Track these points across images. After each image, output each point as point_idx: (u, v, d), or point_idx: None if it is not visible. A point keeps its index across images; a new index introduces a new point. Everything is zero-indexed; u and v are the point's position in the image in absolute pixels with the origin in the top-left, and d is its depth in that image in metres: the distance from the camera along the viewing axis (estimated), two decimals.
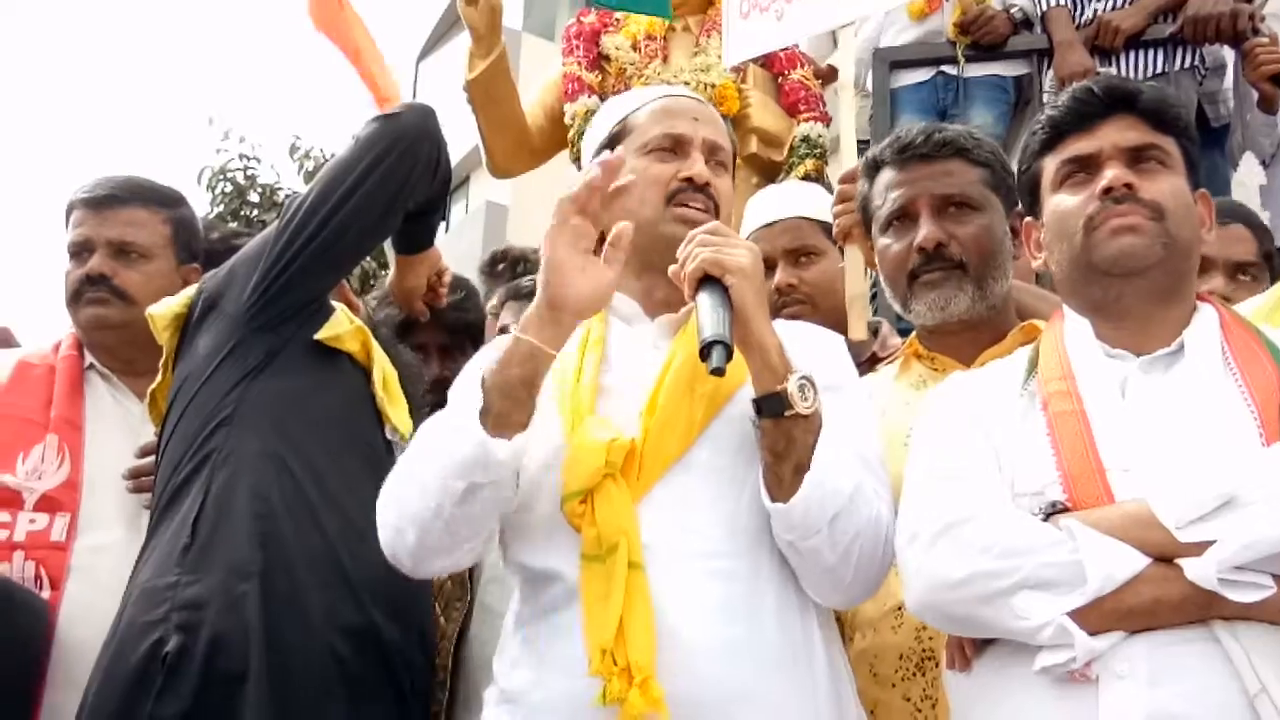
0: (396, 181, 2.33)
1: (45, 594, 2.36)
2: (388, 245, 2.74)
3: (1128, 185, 1.81)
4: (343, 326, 2.35)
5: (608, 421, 1.86)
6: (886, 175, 2.32)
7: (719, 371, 1.71)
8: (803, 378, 1.77)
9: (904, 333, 2.90)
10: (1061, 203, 1.89)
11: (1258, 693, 1.48)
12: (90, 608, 2.28)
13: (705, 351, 1.72)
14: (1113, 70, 4.10)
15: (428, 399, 3.38)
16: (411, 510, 1.82)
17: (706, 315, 1.76)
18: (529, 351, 1.79)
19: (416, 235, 2.64)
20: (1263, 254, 2.79)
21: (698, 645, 1.74)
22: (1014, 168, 2.16)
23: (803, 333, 2.06)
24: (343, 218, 2.28)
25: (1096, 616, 1.54)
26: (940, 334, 2.26)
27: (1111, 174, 1.83)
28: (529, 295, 3.06)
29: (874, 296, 3.06)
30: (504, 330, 3.13)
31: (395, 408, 2.41)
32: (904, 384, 2.29)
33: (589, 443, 1.82)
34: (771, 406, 1.77)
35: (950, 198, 2.24)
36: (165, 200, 2.82)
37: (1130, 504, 1.59)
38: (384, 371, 2.41)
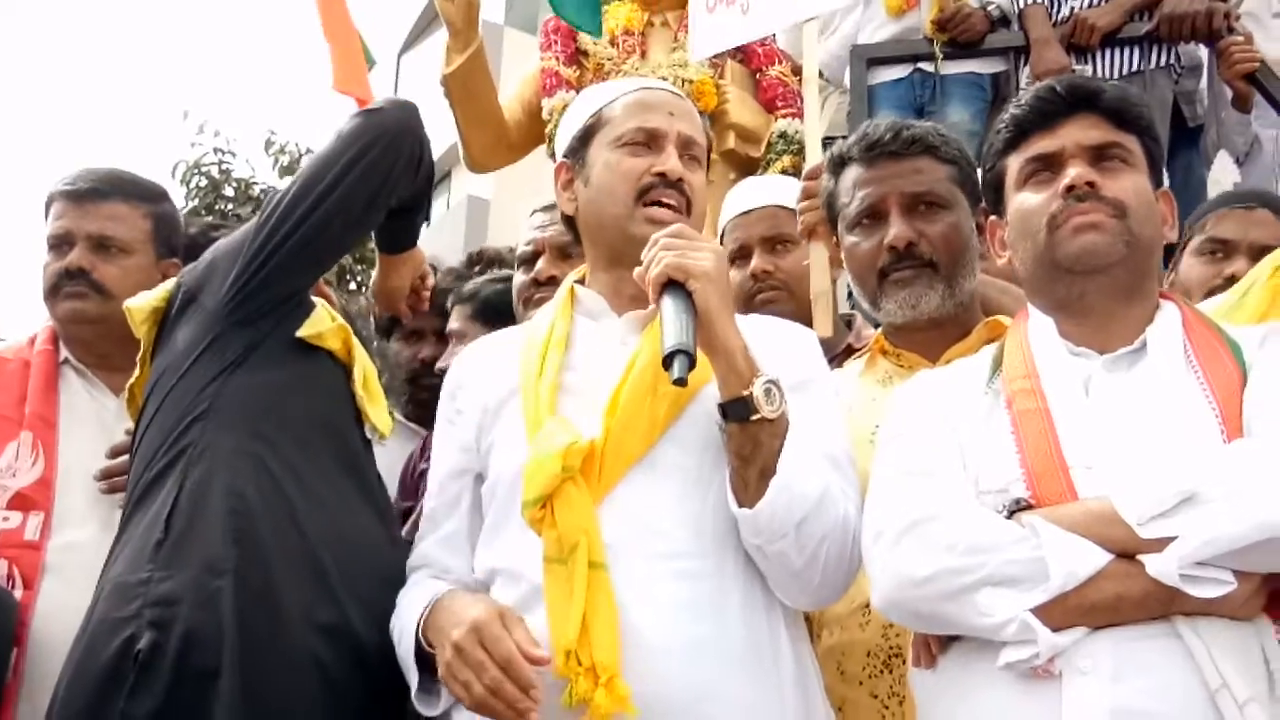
0: (379, 176, 2.31)
1: (18, 593, 2.34)
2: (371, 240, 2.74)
3: (1090, 184, 1.82)
4: (324, 324, 2.33)
5: (567, 423, 1.87)
6: (853, 172, 2.31)
7: (681, 382, 1.72)
8: (769, 381, 1.77)
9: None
10: (1025, 201, 1.89)
11: (1219, 688, 1.50)
12: (65, 607, 2.24)
13: (668, 361, 1.73)
14: (1088, 68, 4.11)
15: (407, 387, 3.41)
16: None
17: (670, 322, 1.76)
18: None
19: (400, 234, 2.63)
20: None
21: (662, 644, 1.75)
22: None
23: (773, 328, 2.07)
24: (324, 212, 2.26)
25: (1060, 612, 1.56)
26: (907, 331, 2.26)
27: (1074, 172, 1.84)
28: (470, 299, 3.13)
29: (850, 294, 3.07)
30: (457, 334, 3.17)
31: (375, 406, 2.39)
32: (870, 380, 2.29)
33: (546, 450, 1.82)
34: (737, 411, 1.78)
35: (920, 196, 2.24)
36: (147, 195, 2.81)
37: (1093, 501, 1.61)
38: (364, 369, 2.39)
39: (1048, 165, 1.89)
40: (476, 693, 1.72)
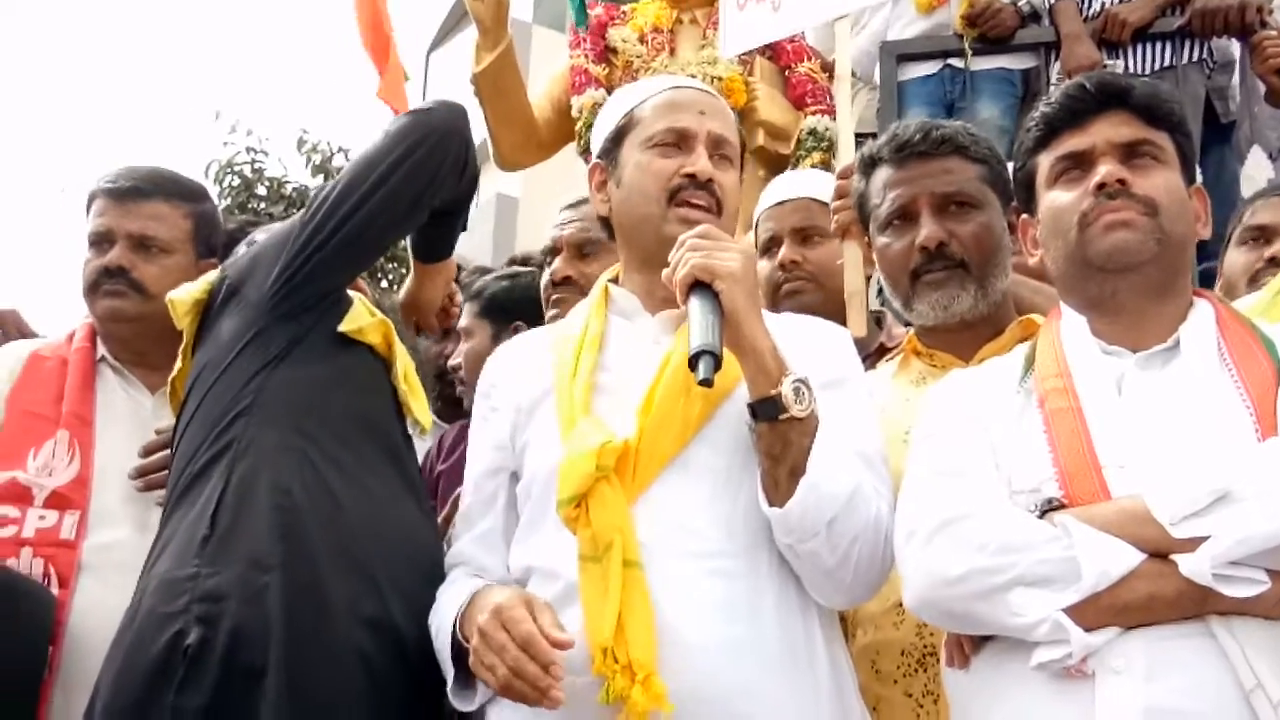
0: (426, 175, 2.32)
1: (55, 591, 2.36)
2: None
3: (1121, 181, 1.81)
4: (365, 319, 2.34)
5: (601, 422, 1.88)
6: (884, 173, 2.31)
7: (707, 383, 1.73)
8: (797, 380, 1.78)
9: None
10: (1056, 199, 1.88)
11: (1253, 688, 1.49)
12: (101, 605, 2.27)
13: (693, 362, 1.74)
14: (1120, 64, 4.09)
15: (435, 384, 3.43)
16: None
17: (696, 323, 1.77)
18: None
19: (438, 241, 2.64)
20: None
21: (698, 643, 1.75)
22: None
23: (807, 327, 2.07)
24: (370, 209, 2.28)
25: (1093, 612, 1.55)
26: (939, 331, 2.26)
27: (1105, 170, 1.83)
28: (476, 297, 3.19)
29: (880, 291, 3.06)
30: (464, 332, 3.21)
31: (416, 400, 2.41)
32: (903, 381, 2.29)
33: (580, 449, 1.84)
34: (766, 410, 1.78)
35: (950, 196, 2.23)
36: (188, 194, 2.82)
37: (1125, 500, 1.60)
38: (404, 364, 2.41)
39: (1078, 163, 1.88)
40: (501, 675, 1.73)
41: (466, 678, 1.91)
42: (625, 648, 1.71)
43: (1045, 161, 1.93)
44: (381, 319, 2.36)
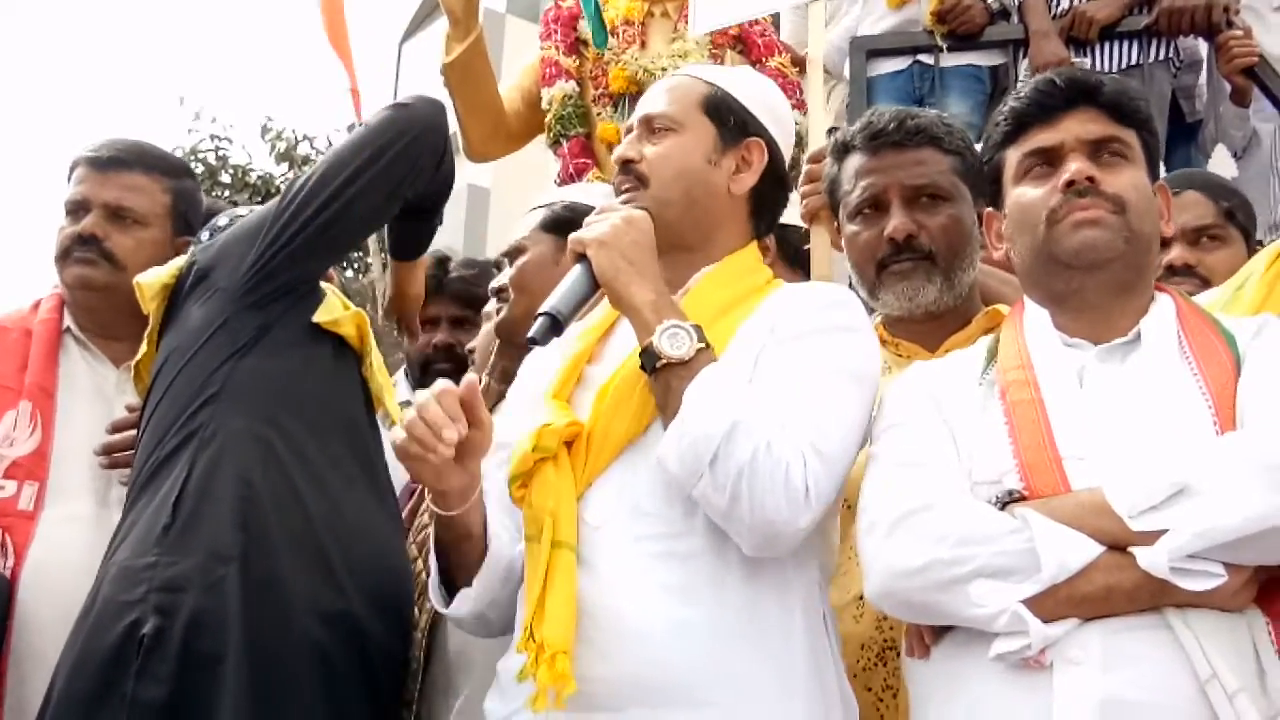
0: (403, 168, 2.33)
1: (9, 562, 2.35)
2: None
3: (1090, 179, 1.82)
4: (339, 311, 2.33)
5: (564, 408, 1.90)
6: (856, 160, 2.31)
7: (533, 341, 1.81)
8: (674, 325, 1.79)
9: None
10: (1024, 195, 1.89)
11: (1208, 679, 1.50)
12: (51, 578, 2.27)
13: (534, 321, 1.83)
14: (1087, 61, 4.11)
15: (419, 374, 3.42)
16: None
17: (557, 288, 1.87)
18: (443, 522, 1.91)
19: (413, 237, 2.63)
20: (1224, 212, 2.77)
21: (644, 626, 1.75)
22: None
23: (801, 289, 2.06)
24: (346, 199, 2.28)
25: (1051, 604, 1.57)
26: (905, 321, 2.27)
27: (1074, 167, 1.83)
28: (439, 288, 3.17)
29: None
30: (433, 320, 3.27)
31: (388, 393, 2.42)
32: None
33: (528, 429, 1.87)
34: (647, 359, 1.80)
35: (922, 188, 2.24)
36: (169, 169, 2.80)
37: (1084, 493, 1.61)
38: (376, 356, 2.41)
39: (1047, 159, 1.88)
40: (414, 452, 1.77)
41: (450, 587, 1.97)
42: (540, 627, 1.73)
43: (1013, 156, 1.93)
44: (356, 311, 2.35)
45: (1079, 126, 1.87)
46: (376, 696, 2.12)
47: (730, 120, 2.07)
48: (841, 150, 2.35)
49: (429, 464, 1.78)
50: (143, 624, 1.96)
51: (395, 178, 2.33)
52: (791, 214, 2.81)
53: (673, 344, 1.77)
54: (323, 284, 2.39)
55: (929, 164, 2.26)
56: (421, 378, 3.39)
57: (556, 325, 1.82)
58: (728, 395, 1.76)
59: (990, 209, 2.01)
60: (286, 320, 2.27)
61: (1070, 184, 1.82)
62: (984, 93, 4.40)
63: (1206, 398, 1.68)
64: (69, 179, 2.77)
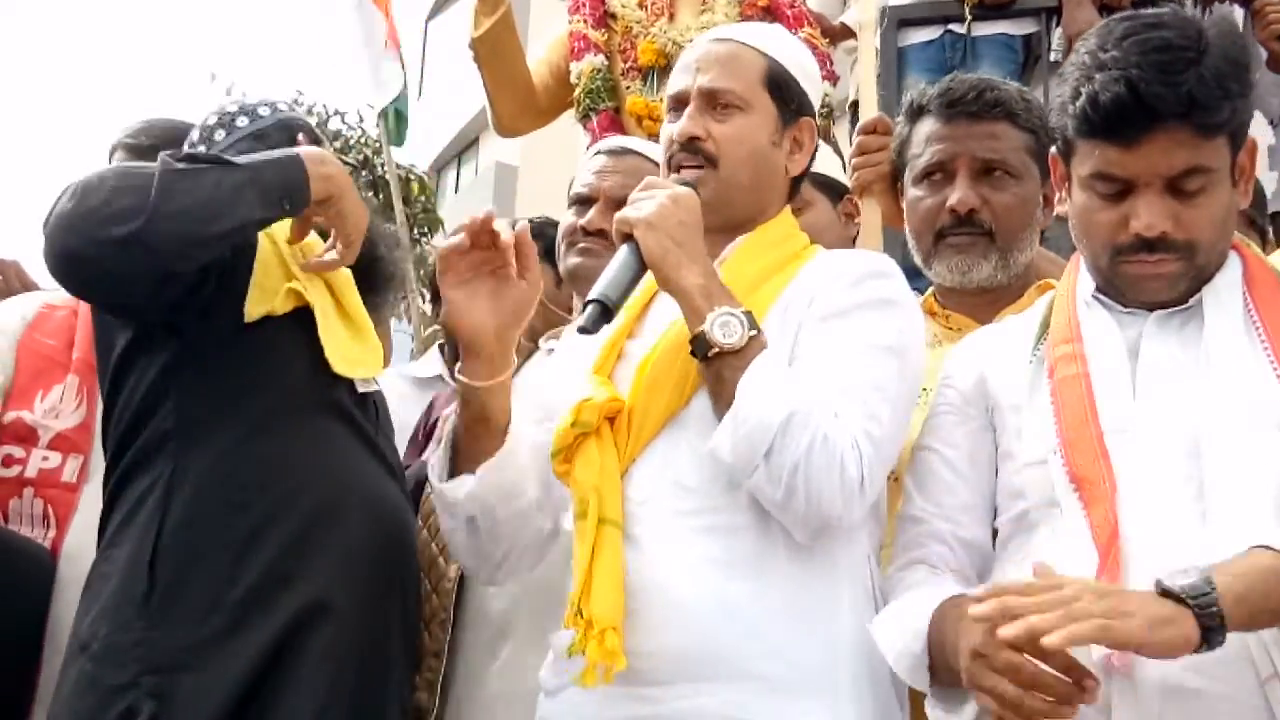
0: None
1: (51, 533, 2.38)
2: None
3: (1163, 233, 1.67)
4: (270, 297, 2.08)
5: (606, 383, 1.90)
6: (928, 125, 2.27)
7: (585, 330, 1.77)
8: (726, 313, 1.76)
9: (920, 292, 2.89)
10: (1091, 211, 1.74)
11: (1269, 678, 1.48)
12: (91, 551, 2.24)
13: (584, 308, 1.79)
14: None
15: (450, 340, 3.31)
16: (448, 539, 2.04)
17: (605, 272, 1.82)
18: (471, 392, 1.88)
19: None
20: (1245, 219, 2.74)
21: (687, 601, 1.75)
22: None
23: (838, 259, 2.01)
24: None
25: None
26: (958, 293, 2.25)
27: (1145, 221, 1.67)
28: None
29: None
30: None
31: (355, 344, 2.19)
32: None
33: (569, 404, 1.86)
34: (698, 347, 1.77)
35: (991, 163, 2.21)
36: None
37: (1265, 556, 1.47)
38: (335, 308, 2.17)
39: (1119, 184, 1.70)
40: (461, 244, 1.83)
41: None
42: (588, 604, 1.73)
43: (1084, 156, 1.73)
44: (291, 286, 2.11)
45: (1159, 156, 1.65)
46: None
47: (791, 101, 2.04)
48: (916, 112, 2.32)
49: (478, 289, 1.84)
50: (137, 713, 1.87)
51: None
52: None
53: (725, 332, 1.75)
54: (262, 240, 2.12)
55: (1002, 139, 2.22)
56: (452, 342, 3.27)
57: (607, 312, 1.78)
58: (782, 385, 1.74)
59: (1056, 154, 1.84)
60: (211, 324, 2.04)
61: (1140, 234, 1.68)
62: (1016, 61, 4.35)
63: (1274, 365, 1.62)
64: (109, 161, 2.76)
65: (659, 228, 1.82)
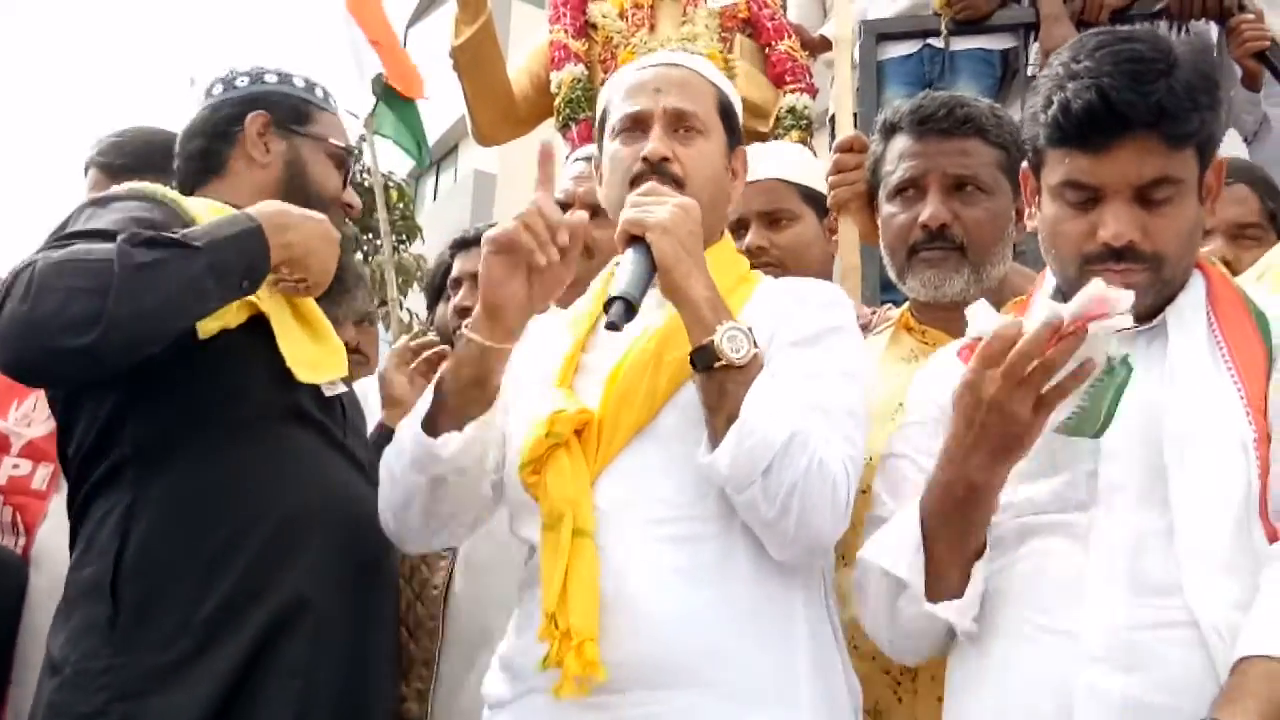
0: None
1: (21, 540, 2.37)
2: None
3: (1130, 242, 1.69)
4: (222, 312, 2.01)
5: (572, 395, 1.90)
6: (901, 142, 2.28)
7: (613, 326, 1.75)
8: (734, 328, 1.77)
9: (894, 303, 2.91)
10: (1059, 222, 1.76)
11: None
12: (58, 559, 2.21)
13: (607, 307, 1.76)
14: None
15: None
16: (388, 499, 1.94)
17: (622, 272, 1.79)
18: (478, 351, 1.86)
19: None
20: (1267, 214, 2.76)
21: (655, 611, 1.76)
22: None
23: (798, 286, 2.06)
24: None
25: None
26: (933, 308, 2.26)
27: (1114, 230, 1.68)
28: (475, 241, 2.99)
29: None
30: (456, 282, 3.15)
31: (314, 348, 2.15)
32: (893, 356, 2.30)
33: (539, 415, 1.86)
34: (702, 359, 1.78)
35: (962, 178, 2.22)
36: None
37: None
38: (288, 313, 2.11)
39: (1088, 193, 1.72)
40: (523, 241, 1.80)
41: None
42: (565, 616, 1.73)
43: (1054, 166, 1.75)
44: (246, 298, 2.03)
45: (1129, 164, 1.67)
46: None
47: (735, 130, 2.11)
48: (889, 130, 2.33)
49: (520, 264, 1.82)
50: None
51: None
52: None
53: (733, 347, 1.75)
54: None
55: (972, 155, 2.23)
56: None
57: (631, 309, 1.76)
58: (784, 405, 1.76)
59: (1027, 168, 1.86)
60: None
61: (1108, 244, 1.70)
62: (994, 76, 4.38)
63: (1237, 385, 1.64)
64: (84, 176, 2.78)
65: (673, 234, 1.81)
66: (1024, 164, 1.88)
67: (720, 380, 1.76)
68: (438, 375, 1.92)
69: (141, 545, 1.93)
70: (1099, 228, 1.70)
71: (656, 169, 1.99)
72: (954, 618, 1.69)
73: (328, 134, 2.33)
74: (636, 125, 2.04)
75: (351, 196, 2.36)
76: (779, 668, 1.78)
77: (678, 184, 1.98)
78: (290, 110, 2.29)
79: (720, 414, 1.76)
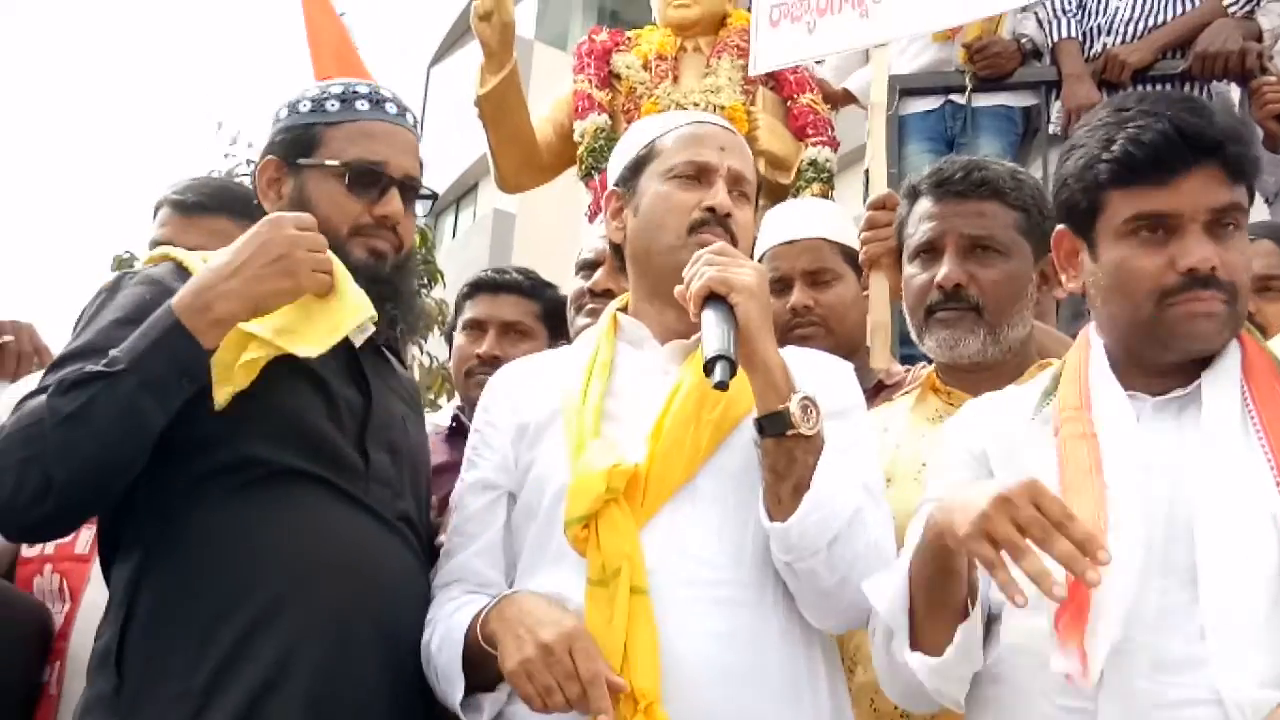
0: None
1: (66, 606, 2.34)
2: None
3: (1213, 268, 1.68)
4: (233, 375, 1.91)
5: (612, 446, 1.89)
6: (923, 204, 2.32)
7: (722, 385, 1.73)
8: (805, 398, 1.79)
9: (912, 359, 2.91)
10: (1131, 260, 1.73)
11: None
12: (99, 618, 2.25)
13: (709, 367, 1.74)
14: None
15: (463, 384, 3.11)
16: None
17: (711, 331, 1.78)
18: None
19: None
20: None
21: (701, 671, 1.77)
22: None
23: (809, 358, 2.08)
24: None
25: None
26: (957, 370, 2.27)
27: (1199, 255, 1.67)
28: (489, 285, 3.11)
29: None
30: (471, 323, 3.16)
31: (322, 313, 1.98)
32: (919, 416, 2.30)
33: (591, 469, 1.85)
34: (774, 425, 1.79)
35: (978, 239, 2.24)
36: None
37: None
38: (283, 318, 1.95)
39: (1162, 223, 1.71)
40: (556, 701, 1.72)
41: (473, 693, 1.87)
42: (630, 675, 1.73)
43: (1119, 206, 1.73)
44: (247, 358, 1.91)
45: (1202, 191, 1.69)
46: None
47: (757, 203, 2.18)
48: (912, 193, 2.36)
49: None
50: None
51: None
52: None
53: (806, 416, 1.78)
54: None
55: (989, 216, 2.25)
56: (466, 389, 3.13)
57: (733, 366, 1.75)
58: (850, 480, 1.81)
59: (1064, 227, 1.85)
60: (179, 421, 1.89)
61: (1192, 270, 1.68)
62: (1016, 133, 4.40)
63: (1269, 458, 1.62)
64: (154, 217, 2.79)
65: (758, 298, 1.82)
66: (1059, 226, 1.86)
67: (789, 448, 1.78)
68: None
69: (144, 617, 1.88)
70: (1178, 258, 1.69)
71: (722, 223, 2.02)
72: (922, 674, 1.68)
73: (340, 152, 2.12)
74: (700, 174, 2.07)
75: (386, 206, 2.11)
76: None
77: (733, 241, 2.01)
78: (294, 144, 2.16)
79: (787, 481, 1.78)
